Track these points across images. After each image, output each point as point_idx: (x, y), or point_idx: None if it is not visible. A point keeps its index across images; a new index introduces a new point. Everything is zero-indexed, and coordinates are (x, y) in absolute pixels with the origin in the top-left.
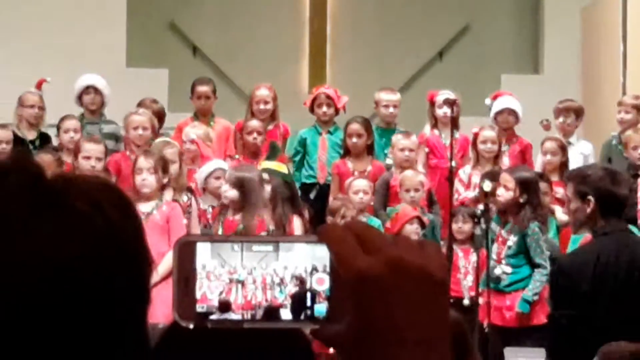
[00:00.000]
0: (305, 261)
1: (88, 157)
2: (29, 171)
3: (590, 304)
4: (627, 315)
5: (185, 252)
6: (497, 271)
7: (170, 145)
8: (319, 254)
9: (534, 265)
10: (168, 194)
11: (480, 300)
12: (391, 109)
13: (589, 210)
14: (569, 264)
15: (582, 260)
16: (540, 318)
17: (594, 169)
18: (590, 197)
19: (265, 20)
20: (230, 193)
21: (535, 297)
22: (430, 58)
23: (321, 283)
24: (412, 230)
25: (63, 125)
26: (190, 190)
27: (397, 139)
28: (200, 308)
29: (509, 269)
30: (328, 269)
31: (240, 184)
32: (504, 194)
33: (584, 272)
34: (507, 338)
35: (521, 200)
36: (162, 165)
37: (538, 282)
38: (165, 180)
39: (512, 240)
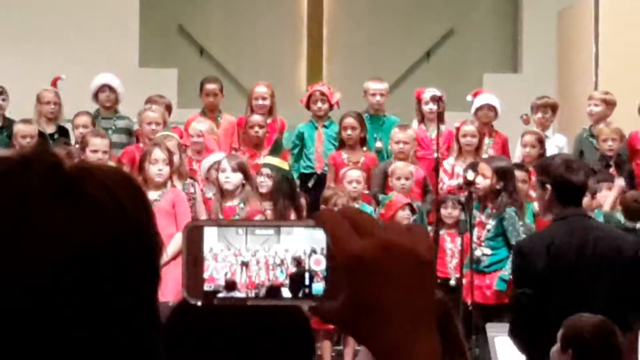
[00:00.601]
0: (304, 244)
1: (95, 151)
2: (48, 161)
3: (546, 284)
4: (579, 294)
5: (193, 236)
6: (478, 253)
7: (170, 138)
8: (317, 237)
9: (511, 247)
10: (171, 182)
11: (464, 281)
12: (378, 97)
13: (547, 197)
14: (526, 247)
15: (538, 243)
16: None
17: (552, 159)
18: (548, 185)
19: (267, 24)
20: (235, 177)
21: (512, 277)
22: (418, 58)
23: (318, 264)
24: (404, 216)
25: (75, 121)
26: (193, 179)
27: (395, 132)
28: (207, 287)
29: (488, 251)
30: (325, 251)
31: (242, 168)
32: (482, 182)
33: (539, 254)
34: (487, 314)
35: (498, 187)
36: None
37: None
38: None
39: (491, 224)
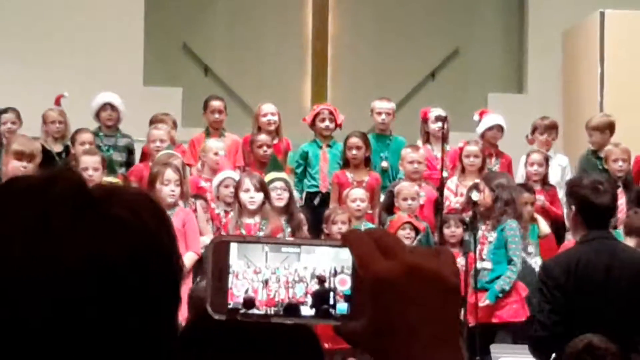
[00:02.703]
0: (328, 263)
1: (85, 169)
2: (72, 181)
3: (570, 301)
4: (604, 314)
5: (219, 250)
6: (479, 266)
7: (175, 157)
8: (342, 257)
9: (509, 262)
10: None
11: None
12: (383, 116)
13: (573, 217)
14: (551, 264)
15: (564, 261)
16: (520, 315)
17: (580, 180)
18: (573, 206)
19: (271, 43)
20: (259, 197)
21: (504, 289)
22: (423, 78)
23: (344, 284)
24: (404, 235)
25: (75, 138)
26: (202, 198)
27: (407, 152)
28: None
29: (489, 265)
30: (350, 271)
31: (263, 187)
32: (479, 197)
33: (565, 272)
34: (492, 333)
35: (492, 197)
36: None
37: (507, 279)
38: None
39: (493, 235)
